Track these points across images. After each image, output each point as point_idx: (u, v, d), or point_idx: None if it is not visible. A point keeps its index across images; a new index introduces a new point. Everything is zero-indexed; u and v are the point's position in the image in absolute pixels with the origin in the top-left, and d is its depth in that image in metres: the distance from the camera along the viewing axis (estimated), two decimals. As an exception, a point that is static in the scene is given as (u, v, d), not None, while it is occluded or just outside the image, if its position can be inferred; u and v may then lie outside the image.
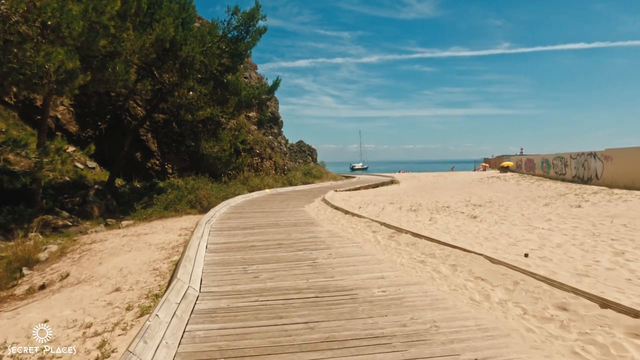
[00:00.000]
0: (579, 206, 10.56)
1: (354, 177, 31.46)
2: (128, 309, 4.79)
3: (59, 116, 19.87)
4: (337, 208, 10.51)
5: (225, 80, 16.76)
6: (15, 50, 5.77)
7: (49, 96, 12.94)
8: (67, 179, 16.31)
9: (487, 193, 17.29)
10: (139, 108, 18.74)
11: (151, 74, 15.31)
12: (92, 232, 12.16)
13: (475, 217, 8.70)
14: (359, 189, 20.76)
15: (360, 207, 10.69)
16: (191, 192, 14.88)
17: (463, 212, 9.55)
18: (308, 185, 23.13)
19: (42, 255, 9.18)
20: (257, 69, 27.50)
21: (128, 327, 4.08)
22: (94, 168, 19.51)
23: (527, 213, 9.51)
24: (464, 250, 5.12)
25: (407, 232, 6.64)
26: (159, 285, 5.35)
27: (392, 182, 27.17)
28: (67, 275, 7.42)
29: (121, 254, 8.48)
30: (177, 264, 5.66)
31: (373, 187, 23.03)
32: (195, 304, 3.82)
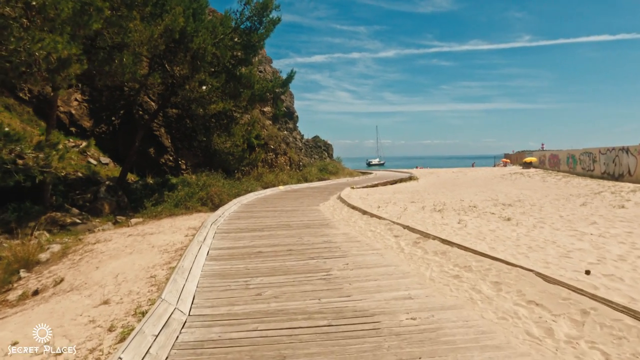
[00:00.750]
0: (623, 206, 9.43)
1: (370, 173, 30.47)
2: (110, 329, 4.08)
3: (73, 111, 19.52)
4: (354, 207, 9.68)
5: (238, 73, 16.06)
6: None
7: (57, 90, 12.45)
8: (80, 175, 15.92)
9: (512, 190, 16.14)
10: (152, 102, 18.25)
11: (162, 67, 14.72)
12: (99, 230, 11.64)
13: (509, 220, 7.73)
14: (376, 185, 19.85)
15: (379, 207, 9.84)
16: (202, 189, 14.27)
17: (494, 213, 8.58)
18: (324, 181, 22.33)
19: (44, 256, 8.63)
20: (271, 62, 26.76)
21: (102, 358, 3.37)
22: (107, 164, 19.10)
23: (566, 214, 8.47)
24: (508, 263, 4.22)
25: (434, 237, 5.76)
26: (149, 300, 4.64)
27: (411, 178, 26.12)
28: (62, 280, 6.81)
29: (122, 256, 7.85)
30: (171, 275, 4.94)
31: (391, 184, 22.06)
32: (180, 332, 3.07)
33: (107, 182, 14.73)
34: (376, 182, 20.54)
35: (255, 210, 10.41)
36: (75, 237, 10.50)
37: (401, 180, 24.08)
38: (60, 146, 7.89)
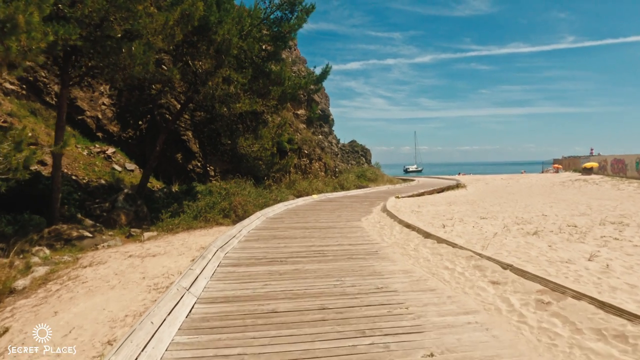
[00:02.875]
0: None
1: (412, 180, 27.53)
2: None
3: (100, 116, 18.10)
4: (409, 226, 7.13)
5: (267, 69, 13.97)
6: None
7: (65, 87, 10.81)
8: (103, 182, 14.31)
9: (592, 202, 12.89)
10: (176, 103, 16.58)
11: (182, 62, 12.85)
12: (103, 247, 9.78)
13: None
14: (422, 194, 17.08)
15: (444, 226, 7.20)
16: (225, 199, 12.19)
17: (617, 238, 5.77)
18: (362, 189, 19.76)
19: (21, 283, 6.70)
20: (306, 63, 24.67)
21: None
22: (133, 170, 17.45)
23: None
24: None
25: (579, 295, 3.15)
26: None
27: (458, 185, 23.01)
28: (6, 331, 4.79)
29: (100, 292, 5.79)
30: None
31: (438, 192, 19.19)
32: None
33: (125, 190, 12.93)
34: (422, 191, 17.74)
35: (281, 228, 8.09)
36: (75, 255, 8.67)
37: (449, 188, 21.08)
38: (25, 151, 5.95)
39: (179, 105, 14.99)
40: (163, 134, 14.52)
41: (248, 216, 11.40)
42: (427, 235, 6.11)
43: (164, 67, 13.83)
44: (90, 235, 10.20)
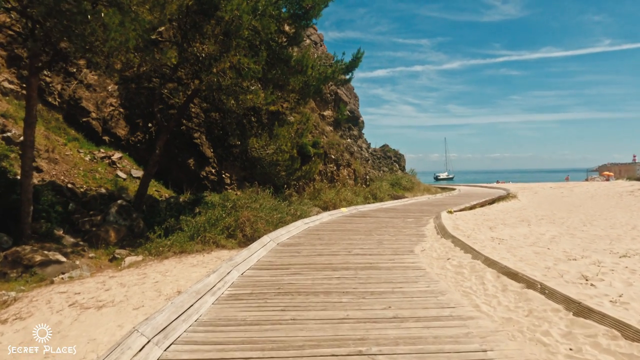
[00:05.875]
0: None
1: (453, 189, 23.87)
2: None
3: (107, 117, 15.65)
4: (516, 276, 3.84)
5: (285, 54, 11.12)
6: None
7: (35, 74, 8.37)
8: (103, 191, 11.74)
9: None
10: (184, 98, 14.01)
11: (181, 45, 10.16)
12: (62, 279, 7.24)
13: None
14: (474, 207, 13.66)
15: (585, 279, 3.83)
16: (230, 214, 9.33)
17: None
18: (399, 200, 16.44)
19: None
20: (326, 49, 21.56)
21: None
22: (140, 178, 14.80)
23: None
24: None
25: None
26: None
27: (509, 195, 19.27)
28: None
29: None
30: None
31: (490, 204, 15.65)
32: None
33: (119, 202, 10.25)
34: (474, 203, 14.25)
35: (294, 267, 5.04)
36: (23, 289, 6.23)
37: (500, 199, 17.44)
38: None
39: (182, 101, 12.31)
40: (164, 134, 11.81)
41: (259, 236, 8.52)
42: (580, 310, 2.86)
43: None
44: (62, 259, 7.56)
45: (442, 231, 7.08)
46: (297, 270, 4.84)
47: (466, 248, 5.28)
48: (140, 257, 7.93)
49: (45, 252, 7.47)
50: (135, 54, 8.58)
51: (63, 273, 7.04)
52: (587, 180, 46.53)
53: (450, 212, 10.19)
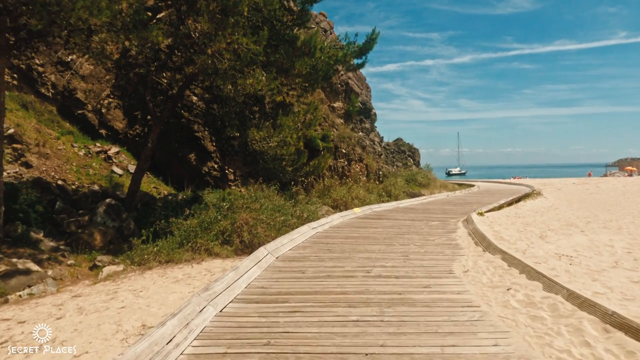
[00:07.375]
0: None
1: (471, 185, 22.13)
2: None
3: (103, 110, 14.38)
4: (627, 326, 2.49)
5: (289, 36, 9.67)
6: None
7: (1, 55, 7.16)
8: (96, 187, 10.52)
9: None
10: (177, 87, 12.68)
11: (172, 24, 8.79)
12: (19, 296, 5.96)
13: None
14: (502, 207, 12.07)
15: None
16: (226, 216, 7.95)
17: None
18: (416, 198, 14.88)
19: None
20: (332, 28, 19.79)
21: None
22: (136, 173, 13.48)
23: None
24: None
25: None
26: None
27: (534, 192, 17.55)
28: None
29: None
30: None
31: (516, 202, 14.03)
32: None
33: (108, 200, 8.98)
34: (502, 202, 12.62)
35: (293, 297, 3.63)
36: None
37: (526, 197, 15.76)
38: None
39: (176, 88, 10.93)
40: (157, 126, 10.47)
41: (258, 242, 7.23)
42: None
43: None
44: (34, 268, 6.35)
45: (483, 241, 5.59)
46: (297, 304, 3.42)
47: (530, 272, 3.79)
48: (121, 267, 6.65)
49: (14, 259, 6.23)
50: (119, 32, 7.20)
51: (29, 286, 5.79)
52: (605, 175, 44.19)
53: (480, 213, 8.66)
